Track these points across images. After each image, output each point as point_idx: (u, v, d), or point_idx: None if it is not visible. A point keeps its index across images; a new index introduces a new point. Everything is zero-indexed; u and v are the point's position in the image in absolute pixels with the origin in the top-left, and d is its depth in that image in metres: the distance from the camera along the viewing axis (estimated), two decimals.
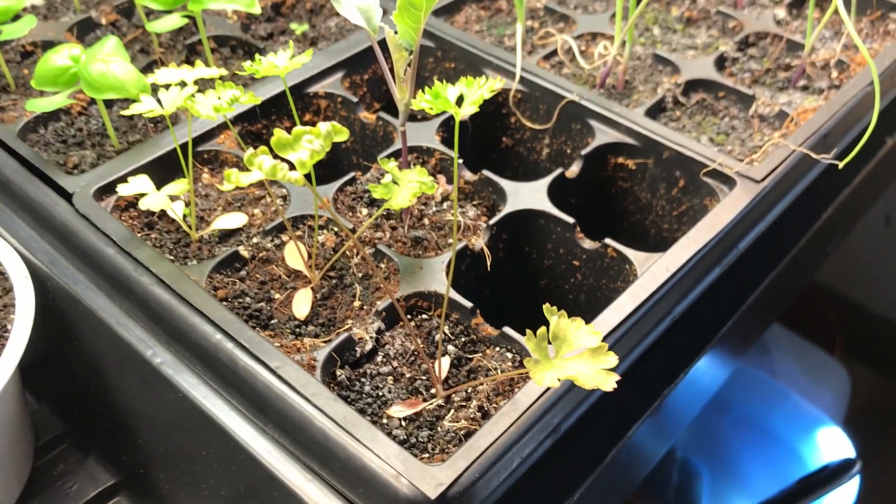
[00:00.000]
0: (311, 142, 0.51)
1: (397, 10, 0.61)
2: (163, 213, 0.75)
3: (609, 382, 0.53)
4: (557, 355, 0.55)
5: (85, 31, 0.96)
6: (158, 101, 0.65)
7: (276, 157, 0.51)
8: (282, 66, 0.63)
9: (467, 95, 0.55)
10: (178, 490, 0.68)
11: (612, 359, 0.54)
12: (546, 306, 0.55)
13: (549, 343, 0.54)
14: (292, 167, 0.51)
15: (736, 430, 1.29)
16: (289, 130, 0.82)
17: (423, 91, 0.56)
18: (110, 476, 0.75)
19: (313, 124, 0.87)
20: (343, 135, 0.54)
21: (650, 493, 1.28)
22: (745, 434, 1.29)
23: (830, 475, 1.21)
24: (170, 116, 0.85)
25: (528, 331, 0.53)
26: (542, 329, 0.54)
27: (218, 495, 0.63)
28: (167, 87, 0.67)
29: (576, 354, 0.54)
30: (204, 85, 0.88)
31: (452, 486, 0.54)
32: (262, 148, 0.52)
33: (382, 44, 0.72)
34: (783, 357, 1.39)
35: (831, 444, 1.25)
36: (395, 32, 0.63)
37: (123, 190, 0.68)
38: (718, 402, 1.16)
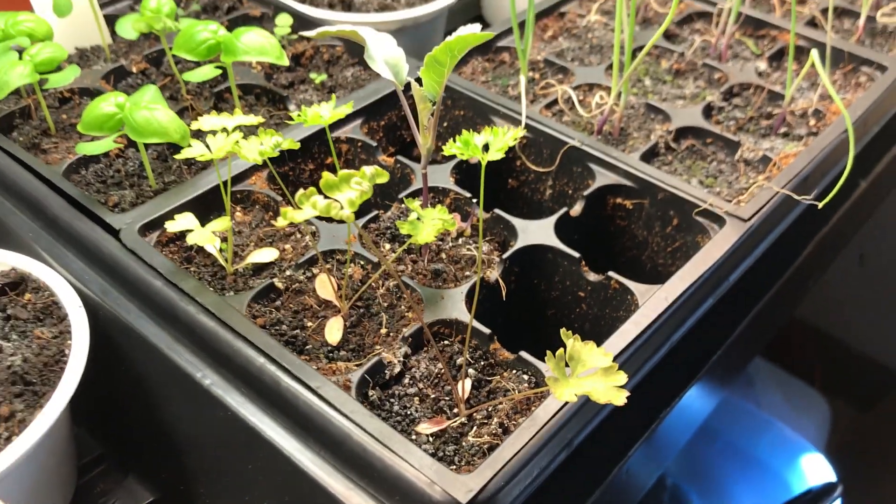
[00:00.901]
0: (359, 183, 0.58)
1: (424, 66, 0.69)
2: (199, 249, 0.81)
3: (620, 397, 0.59)
4: (573, 374, 0.61)
5: (118, 79, 1.03)
6: (206, 145, 0.72)
7: (322, 195, 0.58)
8: (326, 115, 0.70)
9: (493, 143, 0.62)
10: None
11: (622, 377, 0.61)
12: (563, 331, 0.62)
13: (566, 364, 0.61)
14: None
15: (724, 458, 1.35)
16: (312, 173, 0.90)
17: (455, 139, 0.63)
18: (149, 493, 0.80)
19: (333, 168, 0.94)
20: (384, 177, 0.61)
21: None
22: (732, 461, 1.36)
23: (813, 499, 1.27)
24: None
25: (548, 352, 0.60)
26: (560, 350, 0.61)
27: None
28: (212, 132, 0.73)
29: (590, 374, 0.61)
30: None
31: (481, 493, 0.60)
32: (311, 189, 0.58)
33: (394, 91, 0.79)
34: (767, 389, 1.46)
35: (814, 469, 1.32)
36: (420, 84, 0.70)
37: (171, 227, 0.75)
38: (707, 431, 1.23)
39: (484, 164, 0.62)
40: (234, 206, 0.86)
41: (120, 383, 0.77)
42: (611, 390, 0.60)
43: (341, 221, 0.83)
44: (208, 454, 0.72)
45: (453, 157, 0.93)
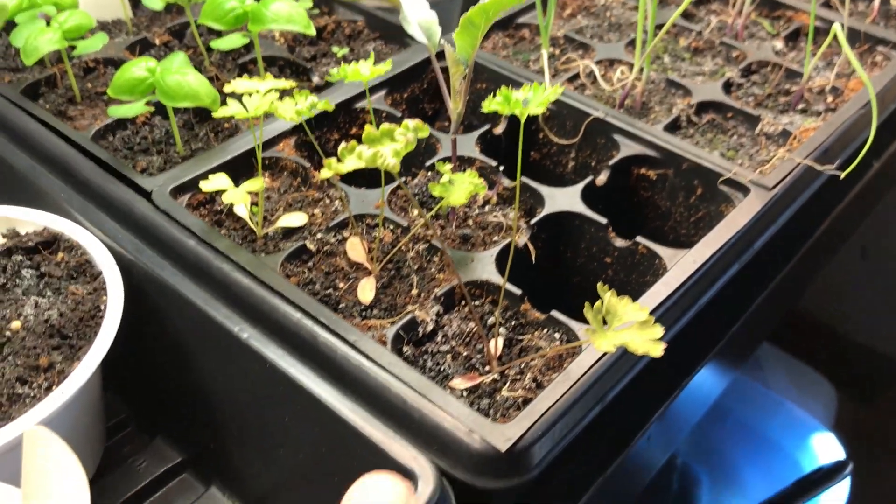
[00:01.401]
0: (403, 134, 0.58)
1: (459, 28, 0.70)
2: (229, 213, 0.82)
3: (658, 349, 0.60)
4: (609, 328, 0.62)
5: (142, 50, 1.04)
6: (243, 105, 0.73)
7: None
8: (366, 72, 0.71)
9: (533, 98, 0.63)
10: (250, 460, 0.74)
11: (659, 329, 0.61)
12: (599, 285, 0.63)
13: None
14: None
15: (734, 438, 1.36)
16: (336, 142, 0.91)
17: (494, 95, 0.64)
18: (177, 454, 0.81)
19: (359, 137, 0.95)
20: (425, 132, 0.61)
21: (651, 499, 1.34)
22: (742, 441, 1.37)
23: (824, 476, 1.29)
24: (229, 125, 0.92)
25: (586, 304, 0.61)
26: (598, 303, 0.61)
27: (296, 460, 0.69)
28: (247, 94, 0.74)
29: (626, 327, 0.62)
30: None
31: (519, 442, 0.61)
32: (353, 143, 0.59)
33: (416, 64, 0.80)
34: (775, 372, 1.47)
35: (824, 448, 1.33)
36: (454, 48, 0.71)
37: (206, 186, 0.75)
38: (717, 410, 1.25)
39: (523, 118, 0.63)
40: (262, 171, 0.87)
41: (152, 342, 0.78)
42: (648, 342, 0.61)
43: (370, 186, 0.84)
44: (241, 409, 0.73)
45: (478, 126, 0.94)
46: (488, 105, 0.64)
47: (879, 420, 1.41)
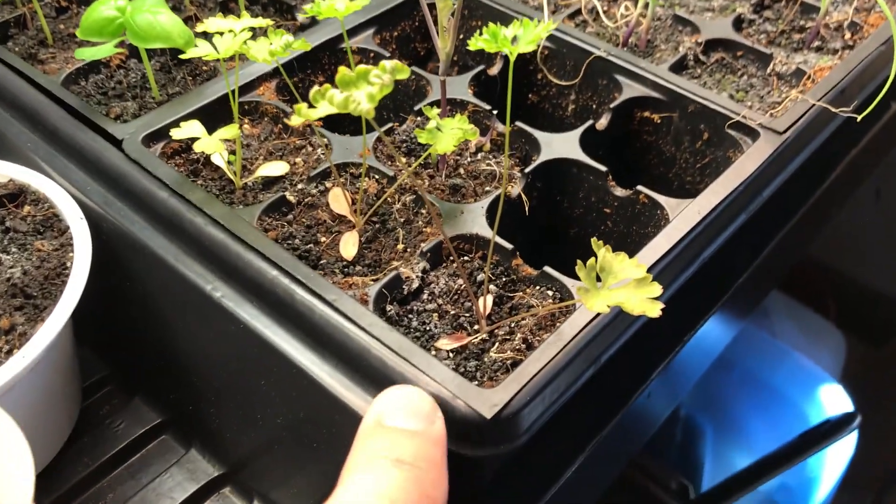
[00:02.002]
0: (379, 76, 0.53)
1: None
2: (206, 162, 0.77)
3: (655, 309, 0.56)
4: (604, 286, 0.58)
5: None
6: (214, 46, 0.67)
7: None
8: (341, 8, 0.65)
9: (522, 36, 0.58)
10: (229, 423, 0.71)
11: (657, 288, 0.57)
12: (593, 240, 0.58)
13: (597, 276, 0.58)
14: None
15: (739, 389, 1.33)
16: (322, 85, 0.85)
17: (480, 32, 0.58)
18: (157, 415, 0.78)
19: None
20: (405, 73, 0.56)
21: (653, 452, 1.32)
22: (748, 392, 1.33)
23: (831, 429, 1.25)
24: (207, 68, 0.87)
25: (578, 261, 0.56)
26: (591, 260, 0.57)
27: (274, 424, 0.66)
28: (219, 34, 0.69)
29: (622, 286, 0.57)
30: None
31: (506, 408, 0.57)
32: (326, 86, 0.54)
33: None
34: (782, 321, 1.43)
35: (832, 399, 1.29)
36: None
37: (177, 134, 0.71)
38: (722, 361, 1.21)
39: (513, 57, 0.58)
40: (241, 117, 0.82)
41: (125, 299, 0.74)
42: (645, 302, 0.56)
43: (354, 133, 0.79)
44: (218, 372, 0.69)
45: (471, 67, 0.89)
46: (474, 43, 0.58)
47: (889, 371, 1.37)
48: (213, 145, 0.69)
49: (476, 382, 0.62)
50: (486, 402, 0.57)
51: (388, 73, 0.54)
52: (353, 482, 0.48)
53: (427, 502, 0.49)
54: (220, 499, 0.74)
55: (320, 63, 0.89)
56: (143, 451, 0.77)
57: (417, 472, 0.49)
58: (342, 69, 0.55)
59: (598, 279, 0.58)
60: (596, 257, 0.58)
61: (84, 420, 0.78)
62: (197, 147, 0.69)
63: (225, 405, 0.70)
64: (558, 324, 0.65)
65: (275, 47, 0.65)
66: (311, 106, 0.55)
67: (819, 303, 1.47)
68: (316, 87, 0.54)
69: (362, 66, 0.55)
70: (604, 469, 0.94)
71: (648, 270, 0.66)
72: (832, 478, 1.28)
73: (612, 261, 0.59)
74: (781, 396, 1.32)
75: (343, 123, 0.88)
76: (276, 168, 0.76)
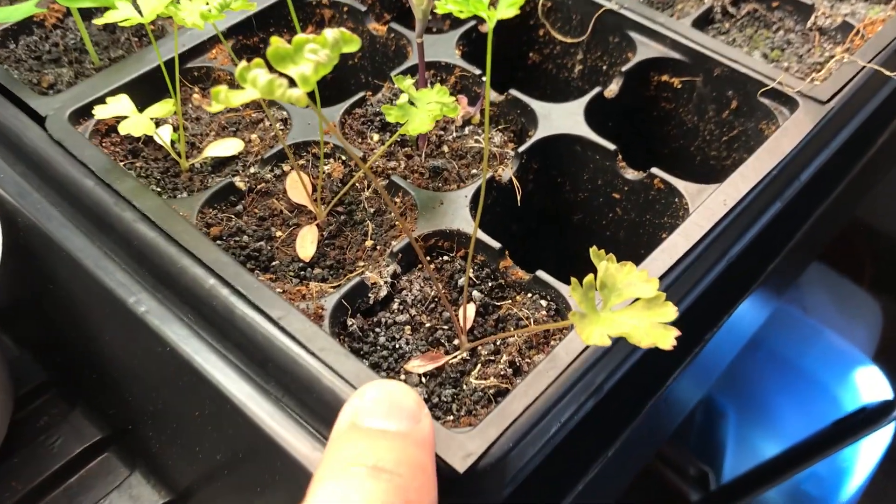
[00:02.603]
0: (315, 52, 0.42)
1: None
2: (149, 140, 0.66)
3: (668, 339, 0.45)
4: (605, 307, 0.47)
5: None
6: (137, 8, 0.56)
7: (274, 71, 0.43)
8: None
9: None
10: (169, 450, 0.62)
11: (671, 310, 0.46)
12: (593, 250, 0.47)
13: (597, 292, 0.47)
14: (293, 83, 0.42)
15: (766, 369, 1.22)
16: (290, 42, 0.72)
17: None
18: (97, 431, 0.68)
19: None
20: (354, 44, 0.44)
21: (671, 435, 1.21)
22: (775, 373, 1.22)
23: (868, 417, 1.14)
24: (153, 27, 0.75)
25: (573, 280, 0.45)
26: (589, 277, 0.46)
27: (213, 460, 0.56)
28: None
29: (627, 306, 0.46)
30: None
31: (483, 458, 0.46)
32: (257, 60, 0.43)
33: None
34: (814, 290, 1.31)
35: (869, 384, 1.18)
36: None
37: (100, 112, 0.59)
38: (749, 339, 1.09)
39: (492, 23, 0.46)
40: (190, 86, 0.70)
41: (51, 302, 0.64)
42: (656, 329, 0.45)
43: (327, 103, 0.67)
44: (151, 395, 0.59)
45: (461, 23, 0.76)
46: (442, 6, 0.46)
47: None
48: (143, 126, 0.58)
49: (451, 418, 0.51)
50: (459, 450, 0.47)
51: (328, 46, 0.43)
52: (320, 498, 0.38)
53: None
54: None
55: (286, 19, 0.77)
56: (83, 472, 0.68)
57: (399, 481, 0.39)
58: (274, 41, 0.43)
59: (600, 295, 0.47)
60: (596, 273, 0.47)
61: (15, 435, 0.68)
62: (122, 129, 0.58)
63: (162, 431, 0.61)
64: (552, 342, 0.54)
65: (208, 9, 0.53)
66: (236, 86, 0.44)
67: (857, 272, 1.35)
68: (243, 64, 0.43)
69: (301, 37, 0.43)
70: (619, 473, 0.84)
71: (663, 276, 0.55)
72: (866, 468, 1.17)
73: (617, 274, 0.47)
74: (812, 379, 1.21)
75: (319, 86, 0.77)
76: (228, 146, 0.65)
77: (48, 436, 0.69)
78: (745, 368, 1.22)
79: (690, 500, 1.18)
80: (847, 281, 1.33)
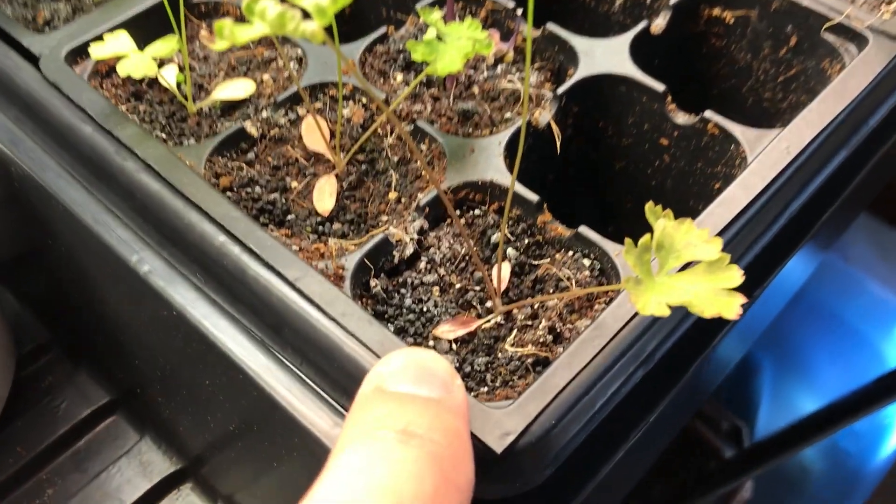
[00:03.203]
0: None
1: None
2: (154, 82, 0.61)
3: (733, 307, 0.40)
4: (662, 270, 0.41)
5: None
6: None
7: (285, 3, 0.37)
8: None
9: None
10: (180, 417, 0.57)
11: (736, 274, 0.41)
12: (649, 205, 0.42)
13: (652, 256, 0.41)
14: (307, 16, 0.36)
15: (805, 321, 1.17)
16: None
17: None
18: (104, 393, 0.64)
19: None
20: None
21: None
22: (815, 325, 1.17)
23: None
24: None
25: (627, 240, 0.40)
26: (646, 237, 0.41)
27: (226, 431, 0.52)
28: None
29: (686, 270, 0.41)
30: None
31: (522, 437, 0.42)
32: None
33: None
34: (857, 239, 1.25)
35: None
36: None
37: (97, 51, 0.54)
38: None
39: None
40: (197, 22, 0.65)
41: (51, 258, 0.60)
42: (719, 296, 0.40)
43: (346, 39, 0.62)
44: (158, 360, 0.55)
45: None
46: None
47: None
48: (143, 66, 0.52)
49: (486, 389, 0.47)
50: (496, 428, 0.42)
51: None
52: (341, 465, 0.33)
53: (449, 493, 0.34)
54: (178, 497, 0.61)
55: None
56: (90, 436, 0.64)
57: (432, 448, 0.34)
58: None
59: (655, 258, 0.41)
60: (651, 233, 0.41)
61: (18, 397, 0.65)
62: (121, 70, 0.53)
63: (172, 397, 0.56)
64: (597, 306, 0.49)
65: None
66: (242, 20, 0.38)
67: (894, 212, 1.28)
68: None
69: None
70: (658, 438, 0.80)
71: (721, 233, 0.50)
72: None
73: (674, 233, 0.42)
74: (854, 333, 1.15)
75: (337, 22, 0.71)
76: (239, 88, 0.60)
77: (52, 398, 0.65)
78: (782, 320, 1.17)
79: (723, 455, 1.14)
80: (888, 227, 1.27)
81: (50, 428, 0.64)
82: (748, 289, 0.63)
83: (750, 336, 0.86)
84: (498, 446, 0.41)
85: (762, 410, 1.18)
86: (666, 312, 0.39)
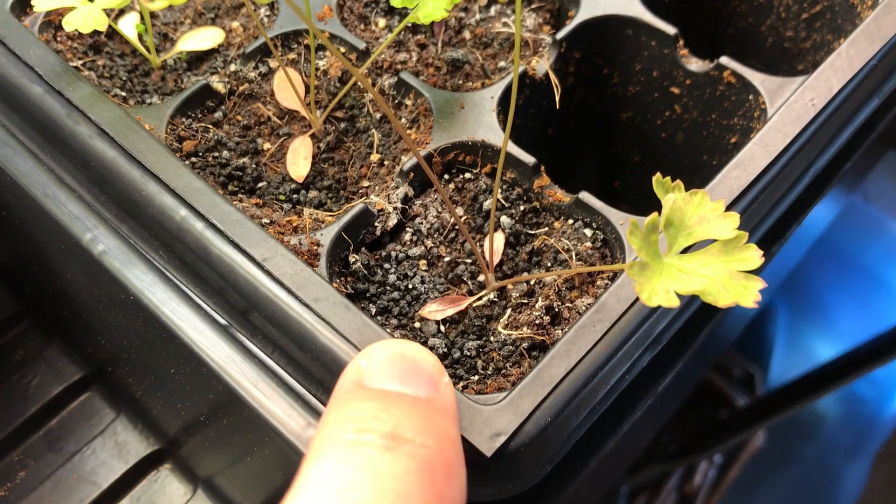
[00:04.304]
0: None
1: None
2: (112, 33, 0.56)
3: (751, 294, 0.35)
4: (671, 251, 0.37)
5: None
6: None
7: None
8: None
9: None
10: (152, 400, 0.54)
11: (755, 255, 0.36)
12: (657, 178, 0.37)
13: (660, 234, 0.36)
14: None
15: (822, 264, 1.12)
16: None
17: None
18: (77, 369, 0.60)
19: None
20: None
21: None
22: (832, 269, 1.12)
23: None
24: None
25: (632, 221, 0.35)
26: (653, 216, 0.36)
27: (196, 419, 0.48)
28: None
29: (700, 251, 0.36)
30: None
31: (515, 437, 0.38)
32: None
33: None
34: (880, 177, 1.18)
35: None
36: None
37: (42, 3, 0.48)
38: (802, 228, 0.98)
39: None
40: None
41: (8, 232, 0.55)
42: (736, 280, 0.35)
43: None
44: (122, 343, 0.50)
45: None
46: None
47: None
48: (93, 20, 0.47)
49: (476, 378, 0.42)
50: (486, 428, 0.38)
51: None
52: (318, 480, 0.29)
53: None
54: (157, 479, 0.58)
55: None
56: (64, 413, 0.61)
57: (425, 454, 0.30)
58: None
59: (664, 237, 0.37)
60: (661, 210, 0.36)
61: None
62: (67, 25, 0.47)
63: (141, 380, 0.52)
64: (598, 282, 0.45)
65: None
66: None
67: None
68: None
69: None
70: (670, 400, 0.76)
71: (737, 200, 0.45)
72: None
73: (685, 207, 0.37)
74: (874, 276, 1.10)
75: None
76: (206, 38, 0.54)
77: (23, 374, 0.61)
78: (800, 263, 1.12)
79: (736, 403, 1.11)
80: None
81: (22, 406, 0.60)
82: (767, 245, 0.59)
83: (771, 285, 0.81)
84: (488, 448, 0.37)
85: (776, 356, 1.14)
86: (675, 303, 0.34)
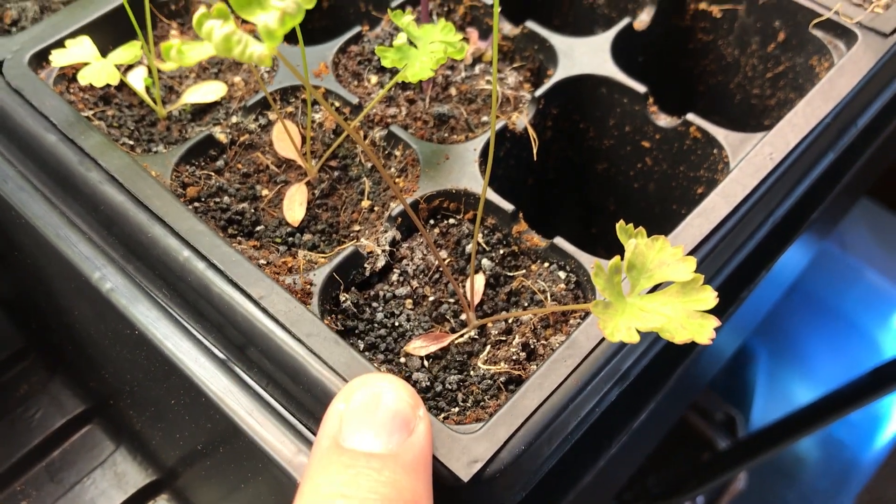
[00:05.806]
0: None
1: None
2: (124, 84, 0.59)
3: (706, 332, 0.39)
4: (633, 291, 0.40)
5: None
6: None
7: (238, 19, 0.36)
8: None
9: None
10: (151, 431, 0.56)
11: (709, 296, 0.39)
12: (620, 225, 0.40)
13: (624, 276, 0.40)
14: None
15: (800, 310, 1.15)
16: None
17: None
18: (79, 402, 0.63)
19: None
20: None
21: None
22: (810, 314, 1.15)
23: None
24: None
25: (596, 262, 0.38)
26: (616, 259, 0.39)
27: (195, 449, 0.51)
28: None
29: (658, 292, 0.40)
30: None
31: (491, 464, 0.41)
32: (220, 6, 0.35)
33: None
34: (855, 225, 1.23)
35: None
36: None
37: (58, 59, 0.52)
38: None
39: None
40: (167, 22, 0.63)
41: (19, 269, 0.58)
42: (692, 319, 0.39)
43: (324, 36, 0.60)
44: (125, 376, 0.53)
45: None
46: None
47: None
48: (105, 74, 0.51)
49: (457, 409, 0.45)
50: (463, 455, 0.41)
51: None
52: None
53: None
54: None
55: None
56: (66, 445, 0.63)
57: None
58: None
59: (627, 278, 0.40)
60: (623, 253, 0.40)
61: None
62: (82, 79, 0.51)
63: (142, 412, 0.55)
64: (572, 321, 0.48)
65: None
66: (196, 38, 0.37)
67: (892, 197, 1.26)
68: (202, 10, 0.36)
69: None
70: (647, 438, 0.79)
71: (700, 245, 0.48)
72: None
73: (647, 251, 0.41)
74: (851, 322, 1.14)
75: (312, 17, 0.69)
76: (209, 91, 0.58)
77: (27, 407, 0.64)
78: (777, 309, 1.15)
79: (717, 446, 1.13)
80: (886, 211, 1.25)
81: (25, 438, 0.63)
82: (735, 291, 0.62)
83: (745, 328, 0.85)
84: (465, 474, 0.40)
85: (757, 400, 1.17)
86: (635, 339, 0.37)
